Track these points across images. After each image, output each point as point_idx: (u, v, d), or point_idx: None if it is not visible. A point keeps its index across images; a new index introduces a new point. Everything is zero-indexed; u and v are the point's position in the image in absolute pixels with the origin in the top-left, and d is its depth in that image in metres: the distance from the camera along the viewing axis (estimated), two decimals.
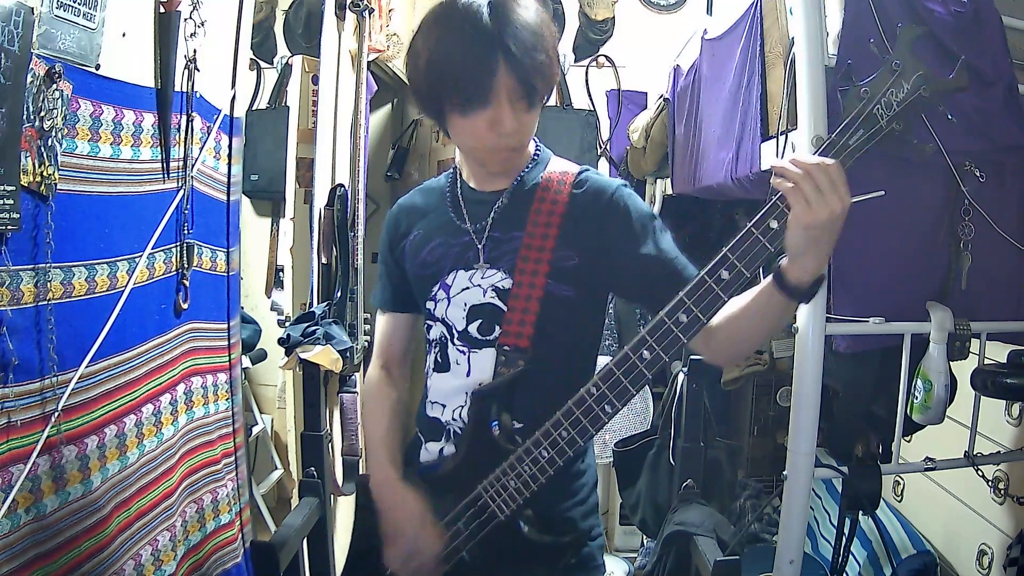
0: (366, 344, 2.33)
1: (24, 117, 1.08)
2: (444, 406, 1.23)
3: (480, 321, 1.19)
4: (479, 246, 1.20)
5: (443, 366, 1.23)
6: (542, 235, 1.17)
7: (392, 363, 1.38)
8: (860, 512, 1.54)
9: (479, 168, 1.23)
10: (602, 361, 2.61)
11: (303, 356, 2.03)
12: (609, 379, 1.04)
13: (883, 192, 0.98)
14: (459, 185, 1.27)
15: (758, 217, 0.95)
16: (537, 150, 1.27)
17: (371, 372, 1.39)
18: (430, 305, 1.24)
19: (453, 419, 1.22)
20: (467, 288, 1.20)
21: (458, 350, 1.21)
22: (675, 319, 0.99)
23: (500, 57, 1.05)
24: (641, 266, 1.16)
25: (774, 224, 0.94)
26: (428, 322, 1.25)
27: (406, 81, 1.23)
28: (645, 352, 1.01)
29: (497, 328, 1.17)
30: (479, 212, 1.22)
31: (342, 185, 2.35)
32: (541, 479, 1.09)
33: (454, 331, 1.21)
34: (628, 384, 1.03)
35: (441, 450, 1.24)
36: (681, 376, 2.18)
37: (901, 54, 0.94)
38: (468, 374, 1.20)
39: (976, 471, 1.51)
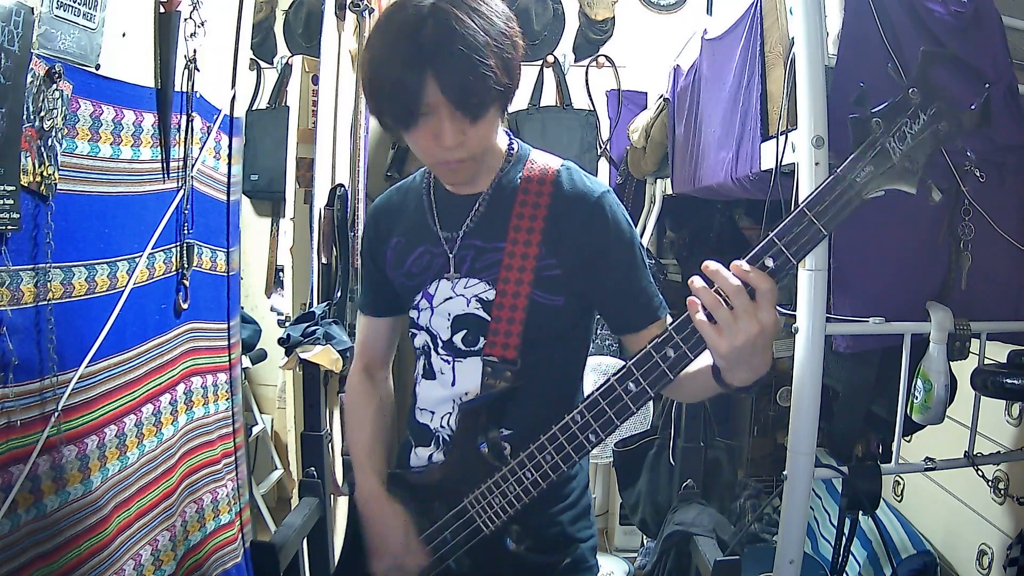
0: None
1: (24, 117, 1.08)
2: (433, 413, 1.22)
3: (465, 332, 1.17)
4: (454, 255, 1.17)
5: (430, 374, 1.22)
6: (525, 242, 1.13)
7: (374, 365, 1.37)
8: (860, 512, 1.54)
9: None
10: (603, 361, 2.61)
11: (303, 356, 2.03)
12: (594, 408, 1.01)
13: (883, 192, 0.97)
14: (434, 188, 1.22)
15: (751, 254, 0.89)
16: (511, 147, 1.20)
17: (352, 375, 1.38)
18: (413, 314, 1.22)
19: (441, 426, 1.21)
20: (450, 298, 1.17)
21: (442, 359, 1.19)
22: (663, 354, 0.95)
23: (429, 75, 0.99)
24: (612, 291, 1.15)
25: (769, 263, 0.89)
26: (412, 330, 1.24)
27: None
28: (631, 384, 0.98)
29: (482, 339, 1.15)
30: (456, 218, 1.18)
31: (342, 185, 2.35)
32: (525, 499, 1.08)
33: (438, 340, 1.19)
34: (613, 415, 1.00)
35: (430, 456, 1.23)
36: None
37: (919, 80, 0.85)
38: (453, 384, 1.19)
39: (976, 471, 1.51)
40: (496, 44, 1.02)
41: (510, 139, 1.22)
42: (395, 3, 1.06)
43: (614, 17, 3.23)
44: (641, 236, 2.86)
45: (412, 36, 0.99)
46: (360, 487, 1.25)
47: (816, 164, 1.29)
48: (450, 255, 1.17)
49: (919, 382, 1.41)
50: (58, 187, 1.17)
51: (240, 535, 1.78)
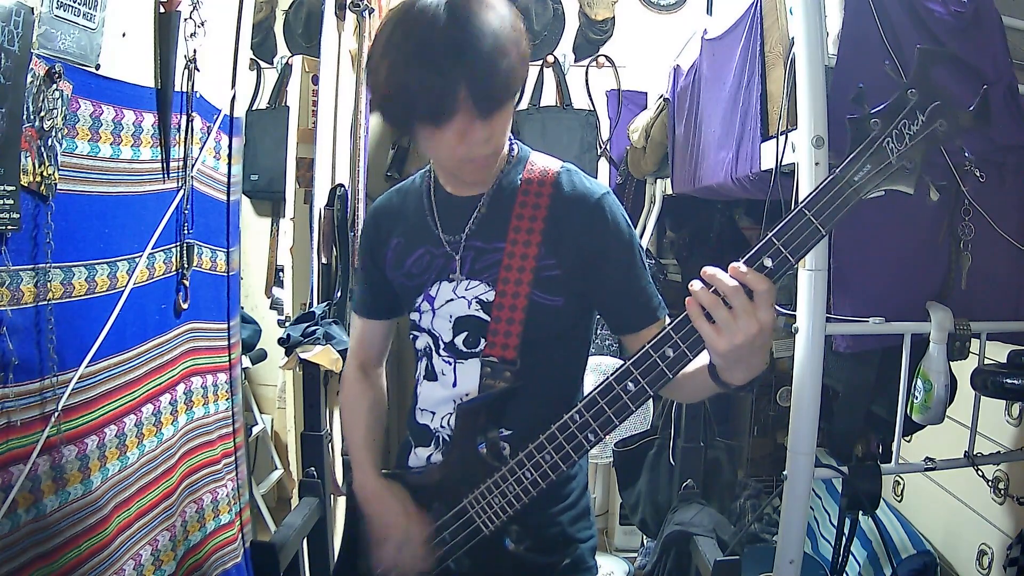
0: None
1: (24, 117, 1.08)
2: (433, 413, 1.22)
3: (466, 333, 1.17)
4: (458, 257, 1.17)
5: (431, 375, 1.22)
6: (524, 243, 1.13)
7: (368, 364, 1.38)
8: (860, 512, 1.54)
9: (452, 177, 1.19)
10: (603, 361, 2.61)
11: (303, 356, 2.03)
12: (592, 408, 1.01)
13: (883, 192, 0.97)
14: (435, 190, 1.22)
15: (750, 255, 0.89)
16: (512, 148, 1.21)
17: (348, 372, 1.39)
18: (414, 316, 1.22)
19: (441, 427, 1.21)
20: (451, 300, 1.17)
21: (444, 361, 1.20)
22: (661, 353, 0.95)
23: (460, 74, 0.96)
24: (612, 291, 1.16)
25: (768, 263, 0.88)
26: (414, 332, 1.24)
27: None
28: (630, 384, 0.98)
29: (482, 340, 1.15)
30: (458, 220, 1.18)
31: (342, 185, 2.36)
32: (525, 499, 1.08)
33: (440, 342, 1.19)
34: (612, 415, 1.00)
35: (429, 456, 1.23)
36: None
37: (917, 80, 0.85)
38: (454, 384, 1.19)
39: (976, 471, 1.51)
40: (514, 39, 1.02)
41: (511, 141, 1.22)
42: (398, 10, 1.03)
43: (614, 17, 3.23)
44: (641, 236, 2.86)
45: (434, 37, 0.97)
46: (358, 481, 1.26)
47: (816, 164, 1.29)
48: (455, 257, 1.17)
49: (919, 382, 1.41)
50: (58, 187, 1.17)
51: (240, 535, 1.78)
